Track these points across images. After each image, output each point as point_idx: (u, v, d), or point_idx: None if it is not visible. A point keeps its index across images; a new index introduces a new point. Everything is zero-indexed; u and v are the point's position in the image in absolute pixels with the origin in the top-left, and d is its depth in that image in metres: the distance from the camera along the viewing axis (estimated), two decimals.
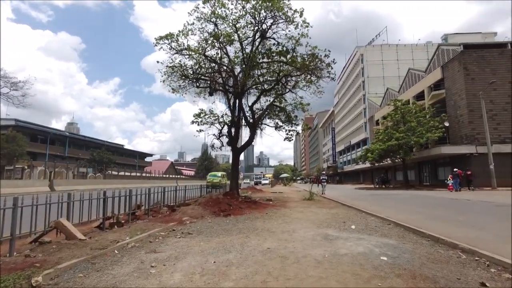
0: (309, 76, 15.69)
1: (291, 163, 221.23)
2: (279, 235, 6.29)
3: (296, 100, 16.85)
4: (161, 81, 15.38)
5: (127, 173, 59.12)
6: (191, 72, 15.10)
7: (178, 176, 72.29)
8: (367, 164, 42.41)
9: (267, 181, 62.59)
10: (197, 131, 18.63)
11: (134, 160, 76.80)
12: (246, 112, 16.35)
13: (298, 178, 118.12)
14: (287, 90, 16.86)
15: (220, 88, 15.66)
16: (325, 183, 26.76)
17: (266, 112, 17.18)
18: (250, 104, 16.44)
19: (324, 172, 48.37)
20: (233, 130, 17.16)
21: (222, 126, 17.95)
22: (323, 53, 14.21)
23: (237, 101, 16.48)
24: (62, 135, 56.61)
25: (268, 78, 15.63)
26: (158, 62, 14.91)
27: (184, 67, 15.24)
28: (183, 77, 15.22)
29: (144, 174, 66.78)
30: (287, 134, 17.30)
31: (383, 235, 6.32)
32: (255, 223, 7.92)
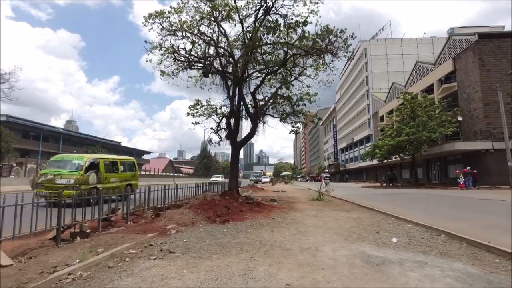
0: (321, 61, 13.82)
1: (291, 161, 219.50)
2: (297, 256, 4.39)
3: (301, 90, 14.97)
4: (146, 61, 13.42)
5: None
6: (184, 54, 13.16)
7: (176, 174, 70.38)
8: (374, 161, 40.55)
9: (267, 179, 60.67)
10: (192, 123, 16.80)
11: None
12: (247, 102, 14.43)
13: (299, 176, 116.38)
14: (293, 77, 14.98)
15: (217, 71, 13.73)
16: (329, 181, 25.72)
17: (270, 102, 15.27)
18: (252, 90, 14.48)
19: (326, 170, 46.84)
20: (232, 122, 15.29)
21: (220, 118, 16.10)
22: (338, 31, 12.26)
23: (237, 89, 14.59)
24: (56, 132, 54.63)
25: (273, 59, 13.67)
26: (146, 42, 12.96)
27: (177, 50, 13.31)
28: (176, 61, 13.30)
29: (144, 172, 64.98)
30: (293, 126, 15.41)
31: (445, 254, 4.44)
32: (261, 234, 6.02)
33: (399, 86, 50.42)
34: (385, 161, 33.88)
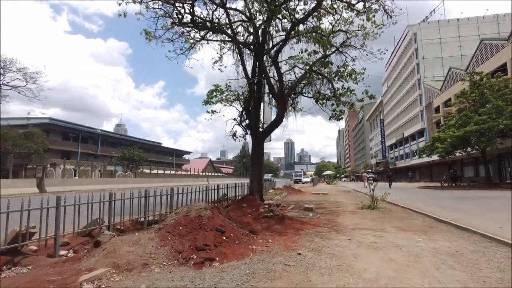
0: (369, 23, 10.03)
1: (334, 160, 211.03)
2: None
3: (341, 67, 11.16)
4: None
5: (160, 171, 56.54)
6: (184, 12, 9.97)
7: (212, 174, 68.72)
8: (431, 158, 34.89)
9: (308, 179, 56.41)
10: (208, 112, 13.78)
11: (169, 158, 74.56)
12: (270, 76, 10.95)
13: (343, 176, 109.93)
14: (334, 49, 11.24)
15: (224, 31, 10.38)
16: (372, 181, 23.40)
17: (304, 81, 11.65)
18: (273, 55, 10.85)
19: (369, 170, 41.70)
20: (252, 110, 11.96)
21: (243, 105, 12.88)
22: None
23: (252, 64, 11.19)
24: (94, 133, 55.20)
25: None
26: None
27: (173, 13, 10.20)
28: (174, 25, 10.20)
29: (179, 172, 64.11)
30: (334, 111, 11.67)
31: None
32: None
33: (458, 71, 43.74)
34: (447, 156, 28.39)
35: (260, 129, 11.73)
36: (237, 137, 14.03)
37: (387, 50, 12.36)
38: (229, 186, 13.50)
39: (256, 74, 10.89)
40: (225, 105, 14.05)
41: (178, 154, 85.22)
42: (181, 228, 4.82)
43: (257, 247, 4.86)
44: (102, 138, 56.20)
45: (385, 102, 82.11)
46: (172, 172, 60.63)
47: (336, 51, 11.59)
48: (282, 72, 10.61)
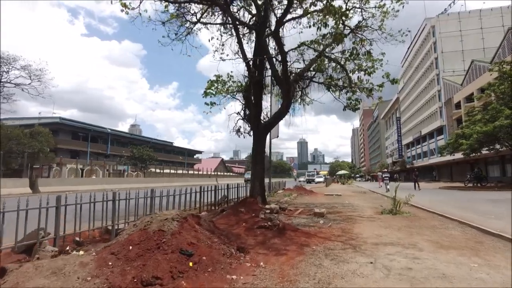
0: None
1: (349, 160, 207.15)
2: None
3: (356, 43, 9.53)
4: None
5: (172, 171, 55.79)
6: None
7: (220, 174, 67.60)
8: (453, 156, 32.55)
9: (321, 179, 54.28)
10: (206, 104, 12.40)
11: (179, 158, 73.82)
12: (272, 56, 9.42)
13: (357, 175, 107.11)
14: (348, 30, 9.67)
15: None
16: (388, 180, 23.10)
17: (314, 67, 10.07)
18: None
19: (385, 170, 39.55)
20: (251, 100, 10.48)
21: (243, 94, 11.47)
22: None
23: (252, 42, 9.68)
24: (104, 132, 54.80)
25: None
26: None
27: None
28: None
29: (189, 172, 63.25)
30: (349, 99, 10.05)
31: None
32: None
33: (481, 64, 41.03)
34: (472, 154, 26.17)
35: (263, 122, 10.23)
36: (241, 133, 12.67)
37: (409, 31, 10.71)
38: (230, 187, 12.08)
39: (258, 61, 9.40)
40: (225, 97, 12.70)
41: (190, 153, 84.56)
42: (131, 248, 3.38)
43: (240, 276, 3.37)
44: (112, 137, 55.76)
45: (402, 99, 79.13)
46: (182, 171, 59.77)
47: (351, 33, 10.03)
48: (286, 51, 9.01)
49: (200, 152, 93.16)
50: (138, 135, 72.62)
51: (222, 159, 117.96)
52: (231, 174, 79.61)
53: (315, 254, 4.38)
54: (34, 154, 29.26)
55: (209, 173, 62.67)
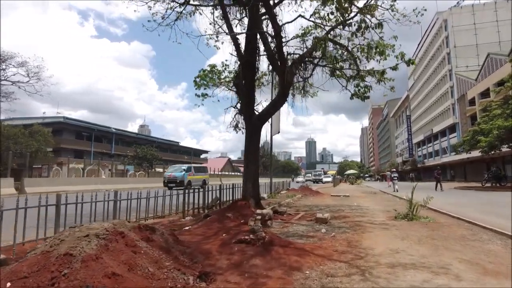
0: None
1: (358, 159, 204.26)
2: None
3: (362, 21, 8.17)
4: None
5: None
6: None
7: (224, 173, 66.63)
8: (471, 154, 30.68)
9: (329, 179, 52.53)
10: (197, 95, 11.29)
11: (185, 157, 72.94)
12: (264, 31, 8.10)
13: (366, 175, 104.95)
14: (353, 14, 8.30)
15: None
16: (397, 180, 22.84)
17: (319, 53, 8.73)
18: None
19: (394, 169, 37.82)
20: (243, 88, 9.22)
21: (233, 81, 10.29)
22: None
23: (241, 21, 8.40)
24: (109, 132, 54.17)
25: None
26: None
27: None
28: None
29: None
30: (357, 86, 8.67)
31: None
32: None
33: (498, 57, 39.02)
34: (491, 152, 24.45)
35: (257, 113, 8.97)
36: (239, 129, 11.51)
37: (425, 9, 9.31)
38: (224, 187, 10.86)
39: (250, 40, 8.12)
40: (218, 87, 11.54)
41: (196, 153, 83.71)
42: (8, 286, 2.15)
43: None
44: (117, 137, 55.13)
45: (412, 96, 76.93)
46: None
47: (359, 13, 8.67)
48: (281, 24, 7.67)
49: (206, 152, 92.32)
50: (143, 134, 72.02)
51: (229, 158, 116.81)
52: (237, 174, 78.36)
53: (306, 285, 3.09)
54: (32, 154, 28.46)
55: (215, 172, 61.62)
